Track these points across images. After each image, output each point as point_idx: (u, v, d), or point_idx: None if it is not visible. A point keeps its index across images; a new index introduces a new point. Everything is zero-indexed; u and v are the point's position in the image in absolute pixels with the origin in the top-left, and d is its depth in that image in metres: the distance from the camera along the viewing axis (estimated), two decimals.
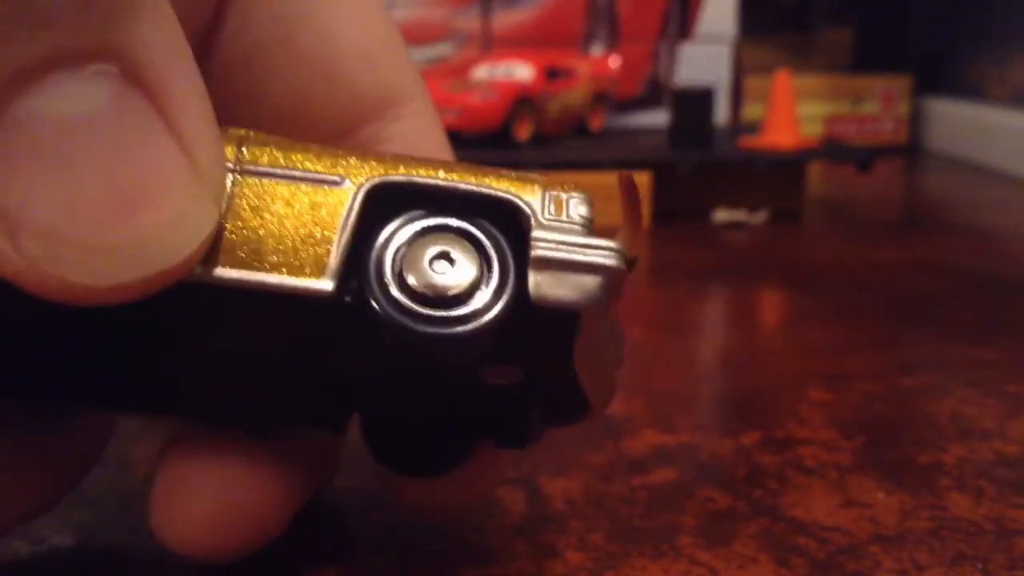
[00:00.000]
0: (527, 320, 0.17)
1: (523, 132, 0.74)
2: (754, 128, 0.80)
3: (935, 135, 1.12)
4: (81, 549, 0.23)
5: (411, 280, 0.17)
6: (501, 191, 0.18)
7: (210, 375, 0.19)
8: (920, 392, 0.34)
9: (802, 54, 1.21)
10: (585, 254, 0.17)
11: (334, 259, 0.17)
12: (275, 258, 0.17)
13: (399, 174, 0.17)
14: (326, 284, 0.17)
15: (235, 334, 0.18)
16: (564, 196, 0.18)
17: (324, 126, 0.21)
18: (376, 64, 0.21)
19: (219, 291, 0.16)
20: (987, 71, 1.04)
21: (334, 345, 0.18)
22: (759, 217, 0.68)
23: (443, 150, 0.22)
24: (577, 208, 0.18)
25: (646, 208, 0.65)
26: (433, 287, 0.17)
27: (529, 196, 0.18)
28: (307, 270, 0.17)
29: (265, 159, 0.17)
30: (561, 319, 0.17)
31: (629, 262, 0.17)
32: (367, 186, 0.17)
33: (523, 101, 0.74)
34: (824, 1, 1.22)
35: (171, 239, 0.14)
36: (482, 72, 0.79)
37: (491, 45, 0.87)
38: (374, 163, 0.17)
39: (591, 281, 0.17)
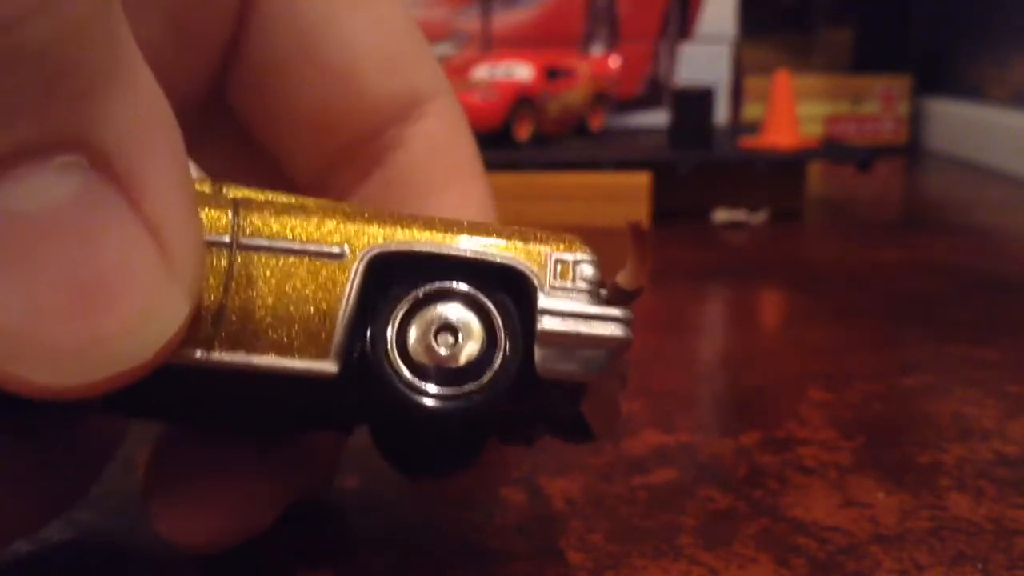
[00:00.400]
0: (534, 377, 0.17)
1: (523, 132, 0.74)
2: (754, 128, 0.80)
3: (935, 135, 1.12)
4: (82, 548, 0.23)
5: (415, 353, 0.17)
6: (506, 257, 0.17)
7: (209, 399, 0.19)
8: (920, 392, 0.34)
9: (802, 54, 1.20)
10: (591, 326, 0.17)
11: (337, 338, 0.16)
12: (274, 337, 0.16)
13: (400, 240, 0.17)
14: (330, 365, 0.16)
15: (232, 401, 0.18)
16: (571, 259, 0.17)
17: (349, 132, 0.21)
18: (397, 68, 0.21)
19: (216, 370, 0.16)
20: (987, 71, 1.04)
21: (336, 401, 0.18)
22: (759, 217, 0.68)
23: (467, 147, 0.22)
24: (584, 272, 0.17)
25: (646, 208, 0.65)
26: (437, 361, 0.17)
27: (535, 262, 0.17)
28: (309, 350, 0.16)
29: (262, 229, 0.16)
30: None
31: (634, 292, 0.17)
32: (367, 257, 0.16)
33: (523, 101, 0.74)
34: (824, 1, 1.22)
35: (138, 336, 0.14)
36: (482, 72, 0.79)
37: (491, 45, 0.87)
38: (375, 227, 0.17)
39: (597, 354, 0.17)
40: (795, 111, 0.74)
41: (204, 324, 0.16)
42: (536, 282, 0.17)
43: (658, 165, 0.67)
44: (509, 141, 0.73)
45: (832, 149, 0.79)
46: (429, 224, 0.17)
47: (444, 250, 0.17)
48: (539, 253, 0.17)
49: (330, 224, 0.17)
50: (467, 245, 0.17)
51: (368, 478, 0.26)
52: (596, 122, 0.82)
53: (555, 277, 0.17)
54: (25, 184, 0.13)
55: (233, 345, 0.16)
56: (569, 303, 0.17)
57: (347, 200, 0.22)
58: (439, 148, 0.21)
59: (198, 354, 0.16)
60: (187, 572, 0.22)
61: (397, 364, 0.16)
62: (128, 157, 0.13)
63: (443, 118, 0.22)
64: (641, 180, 0.66)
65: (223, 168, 0.23)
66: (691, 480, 0.26)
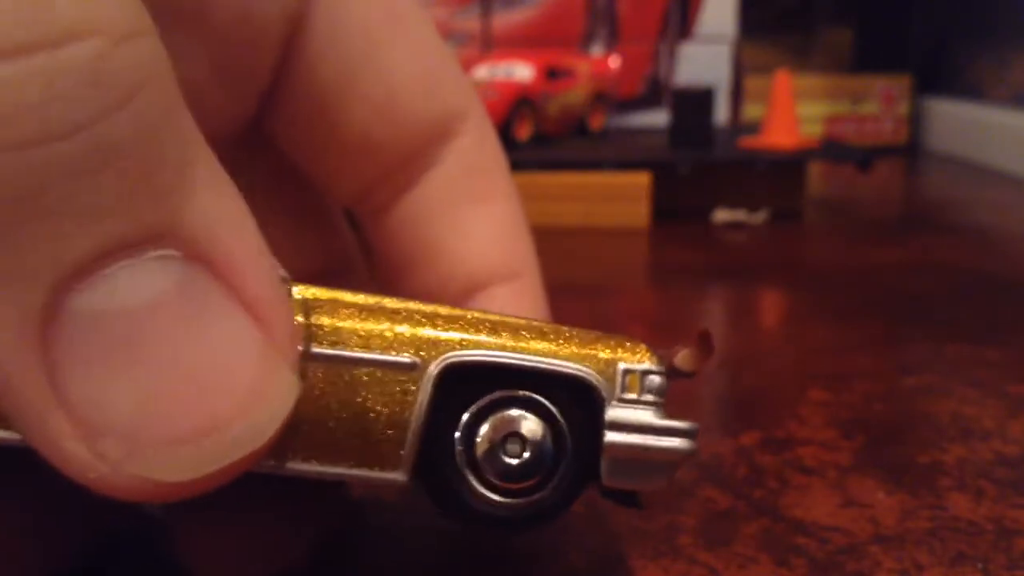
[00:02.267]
0: (597, 479, 0.17)
1: (523, 132, 0.74)
2: (754, 128, 0.80)
3: (935, 135, 1.12)
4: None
5: (483, 461, 0.17)
6: (575, 368, 0.17)
7: None
8: (920, 392, 0.34)
9: (802, 54, 1.21)
10: (658, 440, 0.17)
11: (408, 449, 0.16)
12: (345, 447, 0.16)
13: (472, 349, 0.17)
14: (400, 476, 0.16)
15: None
16: (639, 370, 0.17)
17: (389, 156, 0.22)
18: (434, 92, 0.22)
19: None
20: (987, 71, 1.04)
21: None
22: (759, 217, 0.68)
23: (498, 164, 0.23)
24: (652, 383, 0.17)
25: (646, 208, 0.65)
26: (505, 470, 0.17)
27: (603, 373, 0.17)
28: (380, 461, 0.16)
29: (332, 336, 0.16)
30: None
31: (689, 375, 0.18)
32: (439, 368, 0.17)
33: (523, 101, 0.74)
34: (824, 1, 1.22)
35: (254, 418, 0.14)
36: (482, 72, 0.79)
37: (491, 45, 0.87)
38: (446, 334, 0.17)
39: (661, 468, 0.17)
40: (795, 111, 0.74)
41: None
42: (604, 394, 0.17)
43: (658, 165, 0.67)
44: (509, 141, 0.73)
45: (832, 149, 0.79)
46: (499, 330, 0.17)
47: (514, 360, 0.17)
48: (608, 363, 0.17)
49: (401, 330, 0.17)
50: (537, 354, 0.17)
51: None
52: (596, 122, 0.82)
53: (623, 389, 0.17)
54: (121, 280, 0.13)
55: (305, 455, 0.16)
56: (636, 415, 0.17)
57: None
58: (472, 166, 0.22)
59: (271, 463, 0.16)
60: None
61: (465, 473, 0.17)
62: (219, 244, 0.13)
63: (475, 136, 0.22)
64: (641, 180, 0.66)
65: (255, 196, 0.23)
66: (691, 480, 0.26)
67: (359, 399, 0.16)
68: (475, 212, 0.22)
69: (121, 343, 0.13)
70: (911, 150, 1.13)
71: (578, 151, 0.74)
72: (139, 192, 0.13)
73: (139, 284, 0.13)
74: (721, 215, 0.68)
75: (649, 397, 0.17)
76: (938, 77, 1.15)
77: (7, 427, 0.15)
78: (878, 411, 0.32)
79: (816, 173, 0.90)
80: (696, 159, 0.69)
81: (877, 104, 1.13)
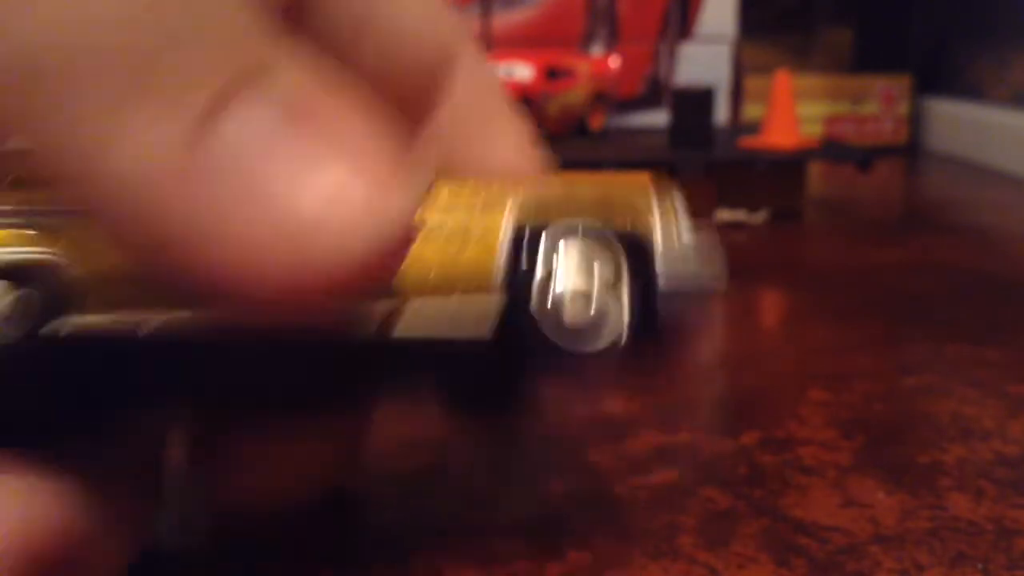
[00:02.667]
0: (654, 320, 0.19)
1: None
2: (754, 128, 0.80)
3: (935, 135, 1.12)
4: None
5: (554, 303, 0.18)
6: (628, 230, 0.19)
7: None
8: (920, 392, 0.34)
9: (802, 54, 1.20)
10: (699, 277, 0.19)
11: (495, 280, 0.18)
12: (440, 314, 0.18)
13: (540, 219, 0.18)
14: (486, 334, 0.18)
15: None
16: (675, 230, 0.20)
17: (399, 90, 0.22)
18: (437, 26, 0.23)
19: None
20: (987, 71, 1.04)
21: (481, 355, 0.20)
22: (759, 217, 0.68)
23: (501, 89, 0.24)
24: (688, 233, 0.20)
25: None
26: (575, 312, 0.18)
27: (653, 232, 0.19)
28: (471, 322, 0.18)
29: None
30: None
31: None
32: (516, 205, 0.19)
33: (523, 101, 0.74)
34: (824, 1, 1.22)
35: (398, 194, 0.15)
36: None
37: (491, 45, 0.87)
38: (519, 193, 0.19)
39: (703, 301, 0.19)
40: (795, 111, 0.74)
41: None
42: (654, 250, 0.19)
43: (658, 165, 0.67)
44: None
45: (832, 149, 0.79)
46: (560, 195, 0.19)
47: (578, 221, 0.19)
48: (654, 224, 0.19)
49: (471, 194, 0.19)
50: (590, 194, 0.19)
51: (368, 478, 0.26)
52: (596, 122, 0.82)
53: (669, 241, 0.19)
54: (255, 109, 0.14)
55: (409, 327, 0.17)
56: (681, 264, 0.19)
57: None
58: (479, 90, 0.23)
59: (377, 324, 0.17)
60: (183, 568, 0.22)
61: (536, 316, 0.18)
62: (318, 91, 0.15)
63: (476, 64, 0.23)
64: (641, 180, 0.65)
65: None
66: (691, 480, 0.26)
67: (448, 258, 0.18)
68: (488, 138, 0.24)
69: (262, 166, 0.14)
70: (911, 150, 1.13)
71: (578, 151, 0.74)
72: (246, 36, 0.14)
73: (256, 118, 0.14)
74: (721, 215, 0.68)
75: (688, 245, 0.19)
76: (938, 77, 1.15)
77: (107, 309, 0.16)
78: (878, 411, 0.32)
79: (816, 173, 0.90)
80: (696, 159, 0.69)
81: (877, 104, 1.13)
